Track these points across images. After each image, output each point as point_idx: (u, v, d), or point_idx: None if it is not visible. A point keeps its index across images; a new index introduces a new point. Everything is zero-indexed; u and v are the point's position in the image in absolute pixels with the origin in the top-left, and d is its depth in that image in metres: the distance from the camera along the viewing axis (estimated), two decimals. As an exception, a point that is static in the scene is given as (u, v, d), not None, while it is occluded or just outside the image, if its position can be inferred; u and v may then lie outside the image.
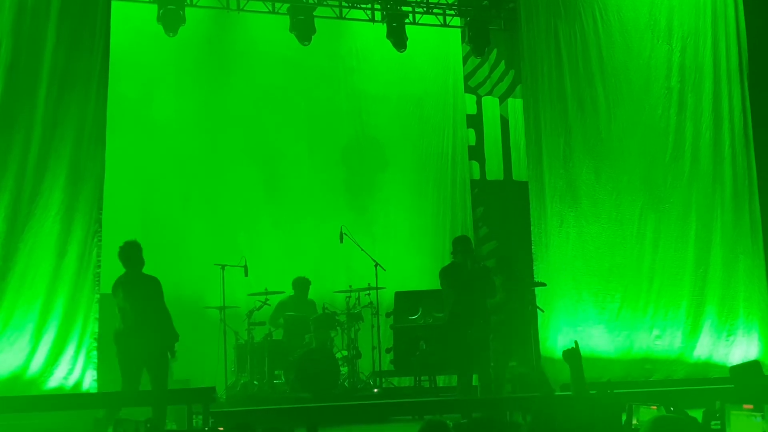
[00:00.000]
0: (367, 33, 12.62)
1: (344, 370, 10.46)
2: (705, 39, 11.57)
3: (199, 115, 11.82)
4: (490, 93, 13.40)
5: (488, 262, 12.33)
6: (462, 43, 12.91)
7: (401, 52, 12.35)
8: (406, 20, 12.36)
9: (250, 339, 10.45)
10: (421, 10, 12.57)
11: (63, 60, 9.26)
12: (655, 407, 5.60)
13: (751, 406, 4.38)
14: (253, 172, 12.06)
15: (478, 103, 13.34)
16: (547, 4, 11.26)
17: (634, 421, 5.68)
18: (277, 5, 11.91)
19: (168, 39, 11.17)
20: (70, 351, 8.90)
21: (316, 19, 11.85)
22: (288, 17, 11.78)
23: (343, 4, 12.27)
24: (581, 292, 10.82)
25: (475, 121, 13.30)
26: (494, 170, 13.35)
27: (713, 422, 6.20)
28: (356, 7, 12.34)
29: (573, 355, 5.77)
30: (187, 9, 11.18)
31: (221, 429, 6.91)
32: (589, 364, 9.11)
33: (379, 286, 10.81)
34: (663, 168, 11.28)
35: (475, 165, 13.24)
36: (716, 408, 6.40)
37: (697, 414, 6.06)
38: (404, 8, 12.37)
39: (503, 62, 13.37)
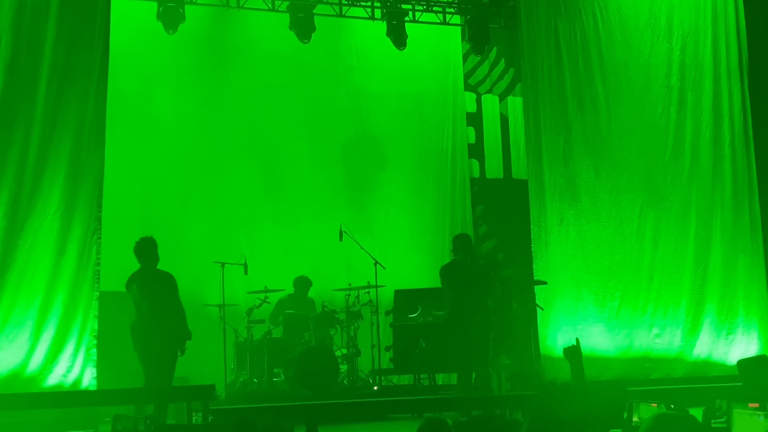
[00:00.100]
0: (366, 31, 12.62)
1: (344, 368, 10.46)
2: (705, 37, 11.56)
3: (198, 112, 11.82)
4: (489, 91, 13.39)
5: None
6: (462, 41, 12.91)
7: (401, 50, 12.35)
8: (406, 18, 12.36)
9: (249, 337, 10.45)
10: (421, 7, 12.57)
11: (63, 57, 9.25)
12: (655, 404, 5.59)
13: (756, 405, 4.36)
14: (253, 169, 12.06)
15: (478, 101, 13.34)
16: (547, 2, 11.25)
17: (635, 419, 5.67)
18: (277, 3, 11.90)
19: (168, 36, 11.17)
20: (69, 348, 8.89)
21: (315, 17, 11.86)
22: (288, 15, 11.78)
23: (343, 1, 12.27)
24: (581, 290, 10.81)
25: (474, 119, 13.30)
26: (494, 168, 13.35)
27: (713, 421, 6.19)
28: (356, 5, 12.35)
29: (574, 352, 5.75)
30: (186, 6, 11.18)
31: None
32: (588, 362, 9.08)
33: (378, 284, 10.81)
34: (663, 166, 11.27)
35: (475, 163, 13.24)
36: (716, 407, 6.39)
37: (698, 412, 6.06)
38: (404, 6, 12.36)
39: (503, 60, 13.37)
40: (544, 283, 10.46)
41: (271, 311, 10.94)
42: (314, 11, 11.85)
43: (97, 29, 9.44)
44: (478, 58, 13.08)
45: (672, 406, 5.48)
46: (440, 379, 11.15)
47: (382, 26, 12.29)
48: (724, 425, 5.82)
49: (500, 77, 13.39)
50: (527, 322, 10.60)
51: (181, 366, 8.91)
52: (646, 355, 10.83)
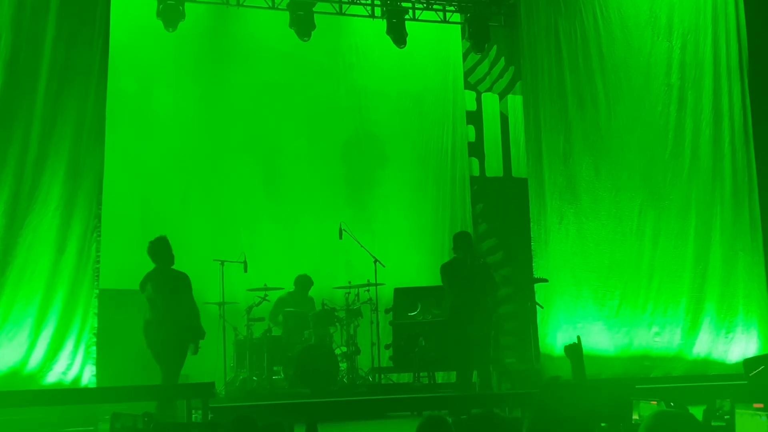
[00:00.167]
0: (366, 29, 12.61)
1: (343, 366, 10.46)
2: (705, 36, 11.56)
3: (198, 110, 11.81)
4: (489, 89, 13.39)
5: (492, 258, 12.41)
6: (462, 39, 12.89)
7: (401, 48, 12.33)
8: (406, 16, 12.34)
9: (249, 335, 10.45)
10: (421, 6, 12.55)
11: (62, 55, 9.25)
12: (655, 402, 5.59)
13: (761, 405, 4.34)
14: (253, 167, 12.05)
15: (478, 100, 13.33)
16: (547, 0, 11.25)
17: (635, 416, 5.67)
18: (277, 1, 11.88)
19: (167, 34, 11.15)
20: (69, 346, 8.89)
21: (315, 15, 11.83)
22: (288, 13, 11.75)
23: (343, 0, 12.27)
24: (581, 288, 10.81)
25: (474, 118, 13.29)
26: (494, 167, 13.34)
27: (714, 421, 6.19)
28: (356, 3, 12.34)
29: (574, 350, 5.74)
30: (186, 4, 11.15)
31: None
32: (588, 361, 9.07)
33: (378, 282, 10.80)
34: (663, 165, 11.28)
35: (475, 161, 13.23)
36: (717, 407, 6.38)
37: (698, 412, 6.05)
38: (404, 4, 12.35)
39: (503, 59, 13.35)
40: (545, 280, 10.47)
41: (271, 309, 10.94)
42: (314, 9, 11.83)
43: (96, 27, 9.44)
44: (478, 57, 13.07)
45: (672, 404, 5.48)
46: (440, 377, 11.15)
47: (382, 24, 12.28)
48: (724, 424, 5.82)
49: (500, 75, 13.38)
50: (527, 320, 10.61)
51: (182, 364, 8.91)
52: (646, 353, 10.83)
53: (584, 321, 10.69)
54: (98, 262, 9.16)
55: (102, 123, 9.37)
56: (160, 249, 8.60)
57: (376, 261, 10.82)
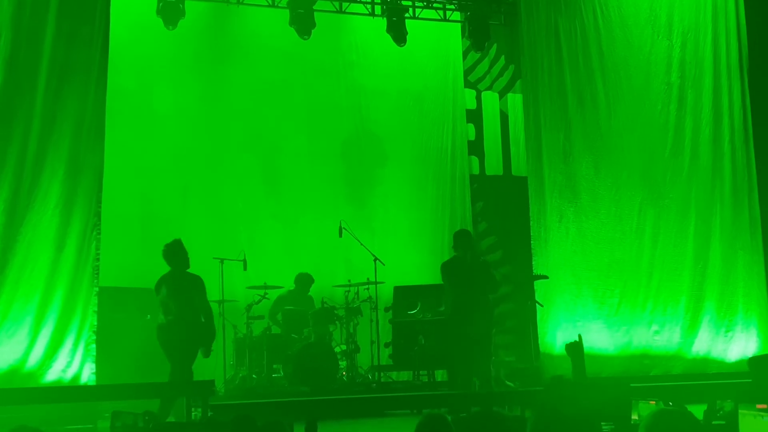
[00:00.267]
0: (366, 27, 12.61)
1: (343, 364, 10.46)
2: (705, 34, 11.55)
3: (198, 108, 11.80)
4: (489, 88, 13.38)
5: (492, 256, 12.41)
6: (462, 37, 12.89)
7: (401, 46, 12.33)
8: (406, 15, 12.35)
9: (248, 333, 10.45)
10: (421, 4, 12.56)
11: (62, 53, 9.25)
12: (653, 402, 5.60)
13: (765, 406, 4.35)
14: (253, 165, 12.05)
15: (478, 98, 13.33)
16: (547, -1, 11.26)
17: (634, 417, 5.67)
18: (277, -1, 11.90)
19: (167, 32, 11.15)
20: (68, 344, 8.90)
21: (315, 13, 11.82)
22: (288, 11, 11.75)
23: (343, -2, 12.28)
24: (580, 287, 10.81)
25: (474, 116, 13.29)
26: (494, 165, 13.34)
27: (715, 421, 6.19)
28: (356, 1, 12.35)
29: (575, 348, 5.75)
30: (186, 2, 11.15)
31: None
32: (587, 359, 9.14)
33: (378, 280, 10.79)
34: (662, 163, 11.27)
35: (475, 160, 13.23)
36: (717, 407, 6.39)
37: (698, 411, 6.06)
38: (404, 2, 12.36)
39: (503, 57, 13.35)
40: (546, 277, 10.46)
41: (271, 307, 10.94)
42: (314, 7, 11.82)
43: (96, 25, 9.44)
44: (478, 55, 13.06)
45: (670, 403, 5.49)
46: (439, 375, 11.14)
47: (382, 23, 12.28)
48: (724, 422, 5.83)
49: (500, 74, 13.38)
50: (527, 319, 10.61)
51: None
52: (646, 352, 10.83)
53: (584, 319, 10.69)
54: (98, 259, 9.16)
55: (102, 121, 9.37)
56: (176, 252, 8.62)
57: (375, 259, 10.81)
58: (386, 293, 11.24)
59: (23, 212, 8.91)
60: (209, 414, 7.92)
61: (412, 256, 12.31)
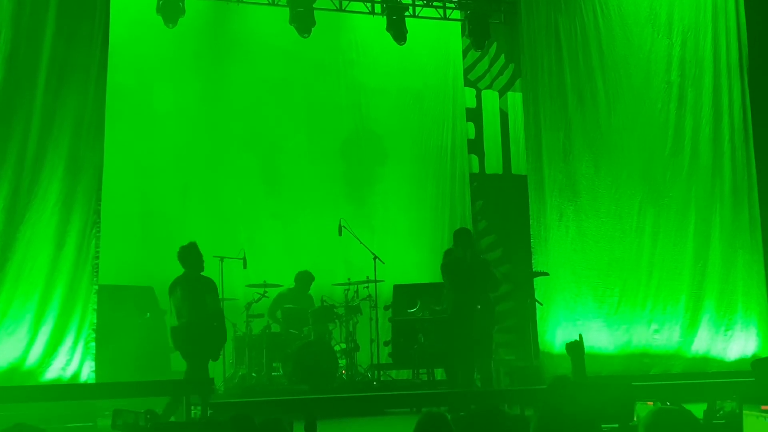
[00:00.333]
0: (366, 25, 12.60)
1: (342, 362, 10.47)
2: (705, 33, 11.54)
3: (198, 106, 11.81)
4: (489, 86, 13.39)
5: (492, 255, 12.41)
6: (462, 36, 12.89)
7: (401, 44, 12.33)
8: (406, 13, 12.35)
9: (248, 331, 10.45)
10: (421, 2, 12.56)
11: (62, 50, 9.24)
12: (651, 403, 5.60)
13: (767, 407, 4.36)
14: (252, 164, 12.05)
15: (478, 97, 13.33)
16: (547, -3, 11.25)
17: (633, 417, 5.68)
18: (277, -3, 11.90)
19: (167, 30, 11.15)
20: (68, 342, 8.89)
21: (315, 11, 11.81)
22: (288, 9, 11.75)
23: (343, -4, 12.28)
24: (580, 286, 10.81)
25: (474, 115, 13.29)
26: (493, 164, 13.35)
27: (715, 420, 6.20)
28: (356, 0, 12.32)
29: (576, 348, 5.76)
30: (186, 0, 11.15)
31: None
32: (587, 358, 9.14)
33: (377, 279, 10.80)
34: (662, 162, 11.27)
35: (475, 159, 13.24)
36: (717, 407, 6.40)
37: (698, 411, 6.06)
38: (404, 1, 12.36)
39: (503, 56, 13.36)
40: (546, 274, 10.44)
41: (270, 305, 10.95)
42: (314, 6, 11.81)
43: (96, 23, 9.43)
44: (478, 54, 13.06)
45: (668, 403, 5.50)
46: (439, 374, 11.14)
47: (382, 21, 12.28)
48: (724, 422, 5.84)
49: (500, 73, 13.38)
50: (526, 317, 10.61)
51: (180, 360, 8.91)
52: (645, 351, 10.83)
53: (584, 318, 10.69)
54: (97, 257, 9.15)
55: (101, 119, 9.36)
56: (191, 254, 8.66)
57: (375, 258, 10.81)
58: (386, 292, 11.24)
59: (23, 210, 8.90)
60: (209, 412, 7.92)
61: (411, 255, 12.32)
